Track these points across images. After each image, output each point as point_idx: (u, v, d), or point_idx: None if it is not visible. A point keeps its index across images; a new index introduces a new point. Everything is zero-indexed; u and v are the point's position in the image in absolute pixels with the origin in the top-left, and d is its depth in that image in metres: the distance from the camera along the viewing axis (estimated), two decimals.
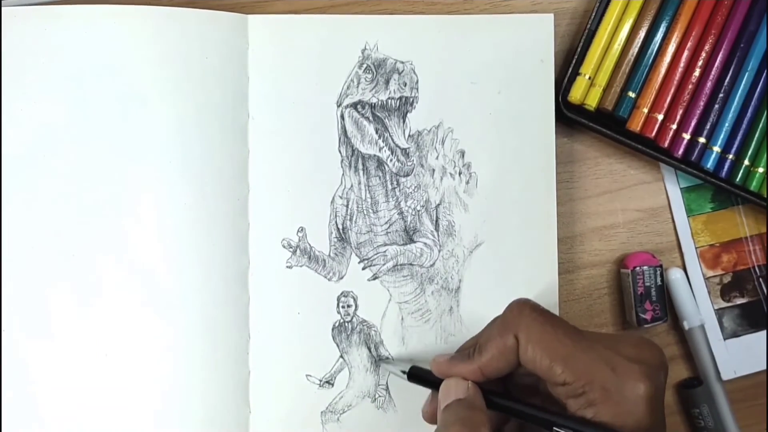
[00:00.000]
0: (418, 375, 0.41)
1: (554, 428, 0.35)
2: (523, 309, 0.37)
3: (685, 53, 0.45)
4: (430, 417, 0.41)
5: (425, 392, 0.40)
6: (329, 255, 0.45)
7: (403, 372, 0.41)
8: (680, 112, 0.46)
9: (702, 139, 0.46)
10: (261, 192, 0.44)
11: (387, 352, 0.45)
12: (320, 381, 0.44)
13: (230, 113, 0.43)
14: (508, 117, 0.45)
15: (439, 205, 0.45)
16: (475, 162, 0.45)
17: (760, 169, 0.46)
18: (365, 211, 0.45)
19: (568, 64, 0.47)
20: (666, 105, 0.46)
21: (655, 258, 0.47)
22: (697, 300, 0.48)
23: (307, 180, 0.44)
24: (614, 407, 0.33)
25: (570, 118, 0.46)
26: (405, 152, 0.45)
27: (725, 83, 0.45)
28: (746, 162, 0.46)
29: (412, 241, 0.45)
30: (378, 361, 0.45)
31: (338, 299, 0.45)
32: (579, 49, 0.46)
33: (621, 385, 0.33)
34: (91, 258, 0.42)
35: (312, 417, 0.44)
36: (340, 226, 0.45)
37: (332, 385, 0.45)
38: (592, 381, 0.34)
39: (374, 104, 0.45)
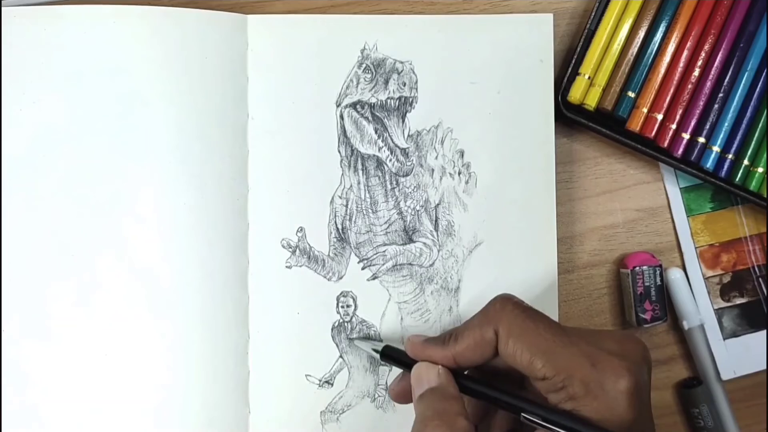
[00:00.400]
0: (390, 355, 0.41)
1: (522, 414, 0.35)
2: (505, 304, 0.37)
3: (685, 53, 0.45)
4: (397, 395, 0.41)
5: None
6: (328, 255, 0.45)
7: (376, 351, 0.41)
8: (680, 111, 0.46)
9: (701, 139, 0.46)
10: (260, 192, 0.44)
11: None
12: (320, 381, 0.45)
13: (230, 113, 0.43)
14: (507, 117, 0.45)
15: (438, 205, 0.45)
16: (475, 162, 0.45)
17: (760, 169, 0.46)
18: (364, 211, 0.45)
19: (567, 64, 0.47)
20: (665, 105, 0.46)
21: (654, 258, 0.47)
22: (697, 300, 0.48)
23: (306, 180, 0.44)
24: (594, 402, 0.33)
25: (569, 117, 0.46)
26: (404, 152, 0.45)
27: (725, 83, 0.45)
28: (746, 162, 0.46)
29: (411, 241, 0.45)
30: (351, 339, 0.44)
31: (338, 299, 0.45)
32: (578, 49, 0.46)
33: (601, 379, 0.33)
34: (91, 258, 0.42)
35: (311, 417, 0.45)
36: (340, 226, 0.45)
37: (332, 385, 0.45)
38: (572, 375, 0.34)
39: (373, 104, 0.45)
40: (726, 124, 0.46)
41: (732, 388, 0.48)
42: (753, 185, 0.46)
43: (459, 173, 0.45)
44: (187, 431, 0.42)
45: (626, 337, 0.36)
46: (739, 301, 0.49)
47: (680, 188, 0.49)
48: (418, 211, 0.45)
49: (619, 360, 0.34)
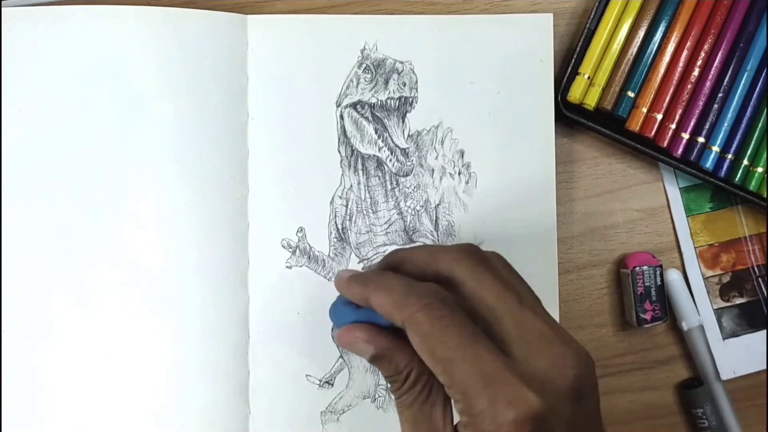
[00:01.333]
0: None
1: None
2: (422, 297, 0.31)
3: (684, 53, 0.45)
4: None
5: None
6: (329, 255, 0.45)
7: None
8: (679, 111, 0.46)
9: (701, 139, 0.46)
10: (261, 192, 0.44)
11: None
12: (320, 381, 0.44)
13: (230, 113, 0.43)
14: (507, 117, 0.45)
15: (438, 205, 0.45)
16: (475, 162, 0.45)
17: (759, 169, 0.46)
18: (365, 211, 0.45)
19: (567, 64, 0.47)
20: (665, 104, 0.46)
21: (654, 258, 0.47)
22: (696, 300, 0.48)
23: (306, 180, 0.44)
24: (479, 427, 0.28)
25: (569, 117, 0.46)
26: (404, 152, 0.45)
27: (724, 83, 0.45)
28: (745, 161, 0.46)
29: (411, 241, 0.45)
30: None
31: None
32: (578, 49, 0.46)
33: (493, 406, 0.28)
34: (91, 258, 0.42)
35: (312, 417, 0.44)
36: (340, 226, 0.45)
37: (332, 385, 0.45)
38: (465, 392, 0.29)
39: (374, 104, 0.45)
40: (725, 124, 0.46)
41: (732, 388, 0.48)
42: (752, 185, 0.46)
43: (459, 173, 0.45)
44: (187, 431, 0.42)
45: (566, 355, 0.30)
46: (739, 301, 0.49)
47: (680, 188, 0.49)
48: (418, 211, 0.45)
49: (526, 387, 0.28)
